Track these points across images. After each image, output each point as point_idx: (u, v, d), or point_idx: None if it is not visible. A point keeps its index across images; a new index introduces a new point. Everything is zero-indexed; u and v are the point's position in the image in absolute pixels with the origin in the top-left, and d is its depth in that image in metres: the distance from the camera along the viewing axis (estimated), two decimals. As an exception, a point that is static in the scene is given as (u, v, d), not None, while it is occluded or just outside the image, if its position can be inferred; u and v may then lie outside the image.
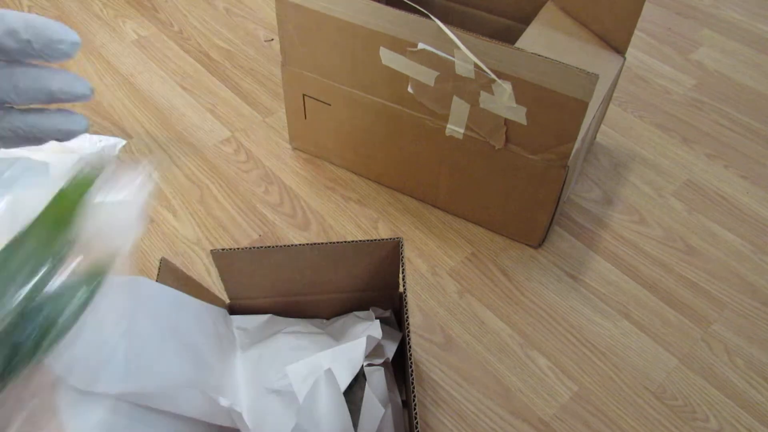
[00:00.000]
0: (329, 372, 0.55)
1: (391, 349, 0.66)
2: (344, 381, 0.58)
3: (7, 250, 0.31)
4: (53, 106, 0.34)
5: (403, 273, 0.62)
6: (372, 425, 0.58)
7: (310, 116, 0.91)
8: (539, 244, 0.87)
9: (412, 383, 0.55)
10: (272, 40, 1.19)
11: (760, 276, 0.85)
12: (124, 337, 0.52)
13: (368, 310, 0.71)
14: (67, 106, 0.34)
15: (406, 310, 0.59)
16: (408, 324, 0.58)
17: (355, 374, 0.59)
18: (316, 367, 0.60)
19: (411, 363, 0.57)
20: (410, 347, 0.57)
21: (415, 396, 0.54)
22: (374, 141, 0.88)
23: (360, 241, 0.63)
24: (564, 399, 0.72)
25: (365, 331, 0.65)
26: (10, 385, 0.31)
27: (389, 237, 0.64)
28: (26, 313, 0.31)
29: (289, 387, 0.61)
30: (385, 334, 0.68)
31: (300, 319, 0.71)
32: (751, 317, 0.81)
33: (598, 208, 0.93)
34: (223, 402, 0.53)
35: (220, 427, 0.58)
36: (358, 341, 0.61)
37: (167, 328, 0.56)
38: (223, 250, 0.63)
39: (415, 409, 0.53)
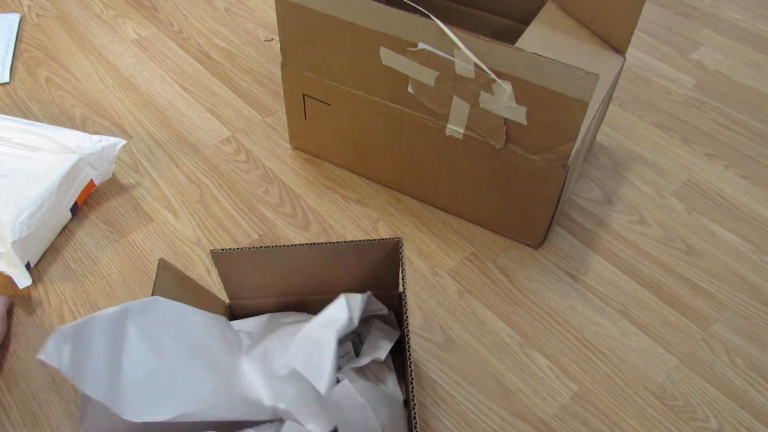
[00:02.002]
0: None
1: (386, 348, 0.66)
2: (331, 340, 0.56)
3: None
4: None
5: (403, 273, 0.62)
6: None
7: (310, 116, 0.91)
8: (539, 244, 0.87)
9: (412, 383, 0.55)
10: (272, 40, 1.19)
11: (760, 276, 0.85)
12: (158, 360, 0.53)
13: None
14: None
15: (406, 310, 0.59)
16: (408, 324, 0.58)
17: (343, 328, 0.57)
18: (308, 338, 0.59)
19: (411, 363, 0.57)
20: (410, 347, 0.57)
21: (414, 396, 0.54)
22: (374, 141, 0.88)
23: (360, 240, 0.63)
24: (564, 399, 0.72)
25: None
26: None
27: (389, 237, 0.64)
28: None
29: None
30: (383, 333, 0.68)
31: (299, 313, 0.71)
32: (751, 317, 0.81)
33: (598, 208, 0.93)
34: (267, 402, 0.55)
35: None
36: (337, 302, 0.59)
37: (191, 345, 0.57)
38: (223, 250, 0.62)
39: (414, 408, 0.53)
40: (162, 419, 0.51)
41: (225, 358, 0.61)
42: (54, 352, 0.47)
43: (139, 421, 0.50)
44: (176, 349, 0.56)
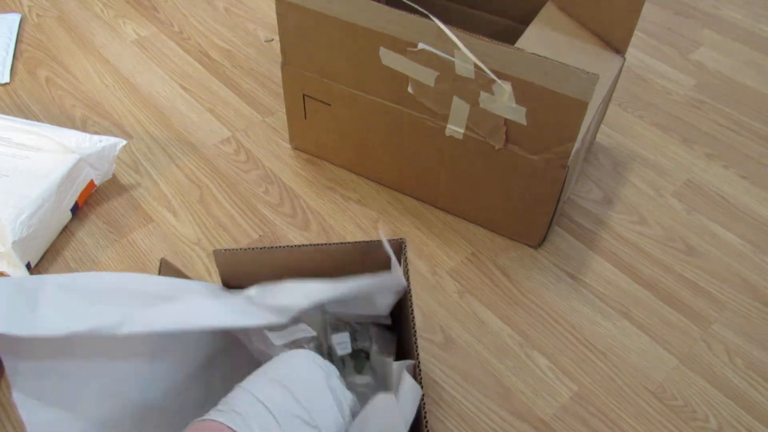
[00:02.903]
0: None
1: (392, 349, 0.66)
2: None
3: None
4: None
5: (407, 274, 0.61)
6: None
7: (310, 116, 0.91)
8: (539, 244, 0.87)
9: (420, 383, 0.54)
10: (272, 40, 1.19)
11: (760, 276, 0.85)
12: (90, 300, 0.50)
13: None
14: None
15: (412, 310, 0.59)
16: (414, 324, 0.58)
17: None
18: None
19: (419, 364, 0.56)
20: (417, 347, 0.56)
21: (423, 396, 0.54)
22: (374, 141, 0.88)
23: (363, 241, 0.63)
24: (564, 399, 0.72)
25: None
26: None
27: (390, 237, 0.64)
28: None
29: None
30: (389, 333, 0.68)
31: None
32: (751, 317, 0.81)
33: (598, 208, 0.93)
34: (250, 291, 0.53)
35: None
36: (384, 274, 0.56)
37: (141, 288, 0.53)
38: (225, 250, 0.62)
39: (424, 408, 0.52)
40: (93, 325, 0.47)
41: (201, 294, 0.57)
42: None
43: (61, 333, 0.46)
44: (119, 291, 0.51)
